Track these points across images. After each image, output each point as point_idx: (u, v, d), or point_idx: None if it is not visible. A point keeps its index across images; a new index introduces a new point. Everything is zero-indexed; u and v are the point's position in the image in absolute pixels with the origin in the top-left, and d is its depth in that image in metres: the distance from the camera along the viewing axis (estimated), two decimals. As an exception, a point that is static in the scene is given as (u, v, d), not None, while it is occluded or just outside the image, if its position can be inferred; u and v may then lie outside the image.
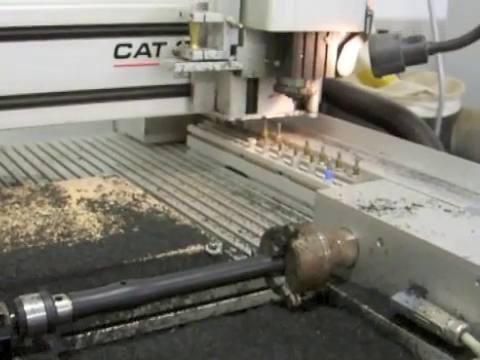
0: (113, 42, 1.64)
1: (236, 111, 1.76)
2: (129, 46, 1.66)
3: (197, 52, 1.65)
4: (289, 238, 1.17)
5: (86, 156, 2.00)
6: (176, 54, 1.69)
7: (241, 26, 1.64)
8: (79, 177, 1.81)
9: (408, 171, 1.61)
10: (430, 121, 2.51)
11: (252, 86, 1.78)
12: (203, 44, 1.65)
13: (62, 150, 2.06)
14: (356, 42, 1.77)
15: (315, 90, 1.79)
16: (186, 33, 1.68)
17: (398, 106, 1.95)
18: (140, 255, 1.28)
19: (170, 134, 2.11)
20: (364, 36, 1.76)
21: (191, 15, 1.62)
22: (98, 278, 1.21)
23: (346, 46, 1.76)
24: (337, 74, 1.78)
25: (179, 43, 1.67)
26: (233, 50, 1.66)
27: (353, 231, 1.25)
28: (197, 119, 1.99)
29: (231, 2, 1.64)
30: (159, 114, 1.79)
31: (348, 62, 1.78)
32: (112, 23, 1.61)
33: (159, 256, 1.29)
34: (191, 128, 2.02)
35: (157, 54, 1.70)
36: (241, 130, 1.95)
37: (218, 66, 1.67)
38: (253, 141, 1.79)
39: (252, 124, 1.92)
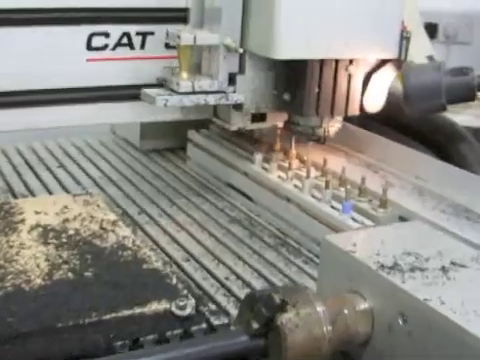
0: (85, 30, 1.31)
1: (239, 119, 1.42)
2: (106, 35, 1.33)
3: (185, 83, 1.31)
4: (274, 311, 0.83)
5: (68, 164, 1.69)
6: (161, 83, 1.36)
7: (242, 51, 1.33)
8: (50, 191, 1.50)
9: (450, 206, 1.26)
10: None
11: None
12: (195, 71, 1.36)
13: (42, 155, 1.75)
14: (387, 71, 1.43)
15: (335, 130, 1.46)
16: (179, 20, 1.34)
17: (441, 118, 1.58)
18: (81, 315, 0.96)
19: (170, 139, 1.78)
20: (398, 64, 1.42)
21: (178, 36, 1.28)
22: (19, 347, 0.90)
23: (375, 76, 1.42)
24: (362, 110, 1.44)
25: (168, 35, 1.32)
26: (232, 79, 1.36)
27: (367, 297, 0.91)
28: (201, 123, 1.64)
29: (230, 21, 1.32)
30: (142, 120, 1.47)
31: (377, 96, 1.44)
32: (84, 6, 1.28)
33: (106, 317, 0.97)
34: (192, 134, 1.69)
35: (142, 46, 1.36)
36: (250, 139, 1.61)
37: (212, 100, 1.34)
38: (259, 157, 1.45)
39: (264, 132, 1.58)
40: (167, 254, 1.23)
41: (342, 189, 1.30)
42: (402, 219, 1.22)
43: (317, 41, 1.29)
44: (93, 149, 1.82)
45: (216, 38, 1.33)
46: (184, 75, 1.33)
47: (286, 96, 1.38)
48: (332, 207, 1.27)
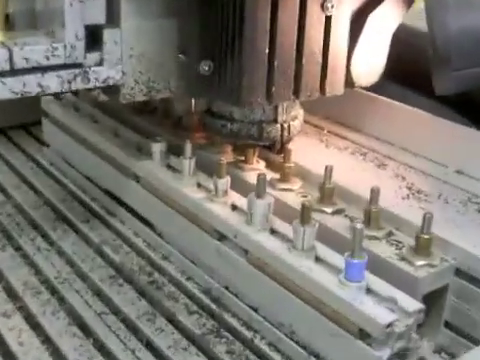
0: None
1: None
2: None
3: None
4: None
5: None
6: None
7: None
8: None
9: None
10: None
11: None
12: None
13: None
14: (389, 10, 0.77)
15: (299, 126, 0.81)
16: None
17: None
18: None
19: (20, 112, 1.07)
20: None
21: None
22: None
23: (371, 18, 0.77)
24: (351, 85, 0.80)
25: None
26: (95, 38, 0.68)
27: None
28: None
29: None
30: None
31: (376, 55, 0.78)
32: None
33: None
34: (47, 105, 0.99)
35: None
36: (150, 110, 0.93)
37: (54, 84, 0.66)
38: (163, 147, 0.77)
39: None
40: None
41: (328, 210, 0.63)
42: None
43: None
44: None
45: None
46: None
47: (205, 67, 0.71)
48: (317, 259, 0.59)
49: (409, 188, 0.75)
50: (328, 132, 0.90)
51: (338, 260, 0.59)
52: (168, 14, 0.71)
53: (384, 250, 0.64)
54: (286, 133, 0.78)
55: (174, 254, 0.76)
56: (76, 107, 0.98)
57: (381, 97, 0.87)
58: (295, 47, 0.71)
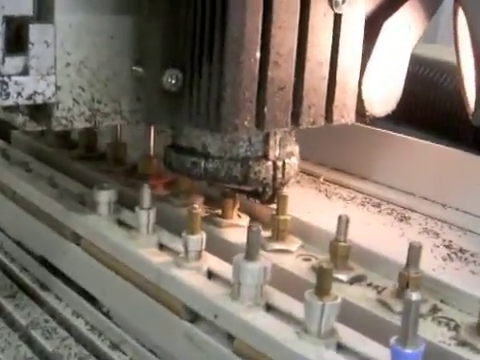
0: None
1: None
2: None
3: None
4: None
5: None
6: None
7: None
8: None
9: None
10: None
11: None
12: None
13: None
14: (409, 16, 0.62)
15: (296, 167, 0.62)
16: None
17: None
18: None
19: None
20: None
21: None
22: None
23: (386, 27, 0.61)
24: (361, 112, 0.63)
25: None
26: (16, 38, 0.51)
27: None
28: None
29: None
30: None
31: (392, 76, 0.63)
32: None
33: None
34: None
35: None
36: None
37: None
38: (111, 196, 0.58)
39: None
40: None
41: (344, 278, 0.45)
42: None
43: None
44: None
45: None
46: None
47: (170, 80, 0.54)
48: (340, 348, 0.40)
49: (447, 246, 0.56)
50: (325, 180, 0.71)
51: (371, 349, 0.40)
52: (121, 9, 0.53)
53: (434, 332, 0.44)
54: (280, 174, 0.58)
55: (127, 341, 0.57)
56: (5, 154, 0.81)
57: (394, 133, 0.69)
58: (295, 54, 0.52)
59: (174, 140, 0.61)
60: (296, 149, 0.61)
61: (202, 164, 0.59)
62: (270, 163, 0.59)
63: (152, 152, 0.73)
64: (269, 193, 0.60)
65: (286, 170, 0.59)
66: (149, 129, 0.74)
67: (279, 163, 0.59)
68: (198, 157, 0.59)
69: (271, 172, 0.59)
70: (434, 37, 1.65)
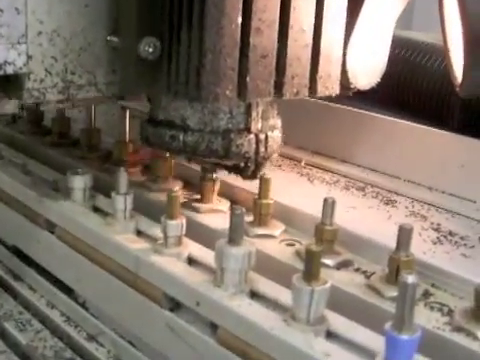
0: None
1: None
2: None
3: None
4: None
5: None
6: None
7: None
8: None
9: None
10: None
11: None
12: None
13: None
14: None
15: (278, 141, 0.59)
16: None
17: None
18: None
19: None
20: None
21: None
22: None
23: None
24: (345, 85, 0.58)
25: None
26: None
27: None
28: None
29: None
30: None
31: (376, 48, 0.59)
32: None
33: None
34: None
35: None
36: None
37: None
38: (87, 181, 0.55)
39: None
40: None
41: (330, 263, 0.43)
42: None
43: None
44: None
45: None
46: None
47: (147, 48, 0.51)
48: (330, 336, 0.38)
49: (436, 230, 0.54)
50: (307, 164, 0.69)
51: (362, 336, 0.38)
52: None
53: (427, 318, 0.43)
54: (262, 148, 0.56)
55: (105, 333, 0.55)
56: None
57: (376, 115, 0.67)
58: (278, 19, 0.50)
59: (151, 114, 0.59)
60: (278, 122, 0.59)
61: (181, 137, 0.56)
62: (252, 136, 0.56)
63: (127, 137, 0.71)
64: (251, 168, 0.57)
65: (269, 143, 0.57)
66: (124, 114, 0.72)
67: (262, 136, 0.56)
68: (177, 130, 0.56)
69: (253, 145, 0.56)
70: (409, 24, 1.65)
